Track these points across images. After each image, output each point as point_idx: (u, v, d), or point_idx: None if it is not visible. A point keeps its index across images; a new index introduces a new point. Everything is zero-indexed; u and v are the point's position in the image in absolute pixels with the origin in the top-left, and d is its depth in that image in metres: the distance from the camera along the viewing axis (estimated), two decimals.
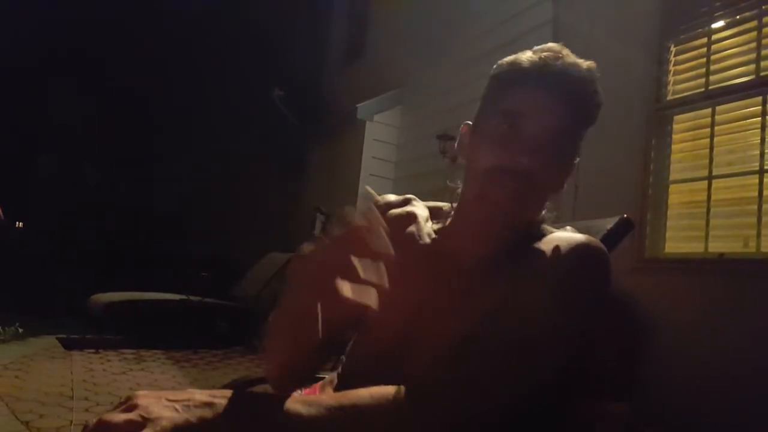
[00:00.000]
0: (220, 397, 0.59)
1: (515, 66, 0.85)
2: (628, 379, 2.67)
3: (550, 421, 0.89)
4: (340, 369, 0.94)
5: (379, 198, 1.02)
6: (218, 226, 7.16)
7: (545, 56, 0.83)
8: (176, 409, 0.56)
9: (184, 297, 5.08)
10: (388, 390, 0.66)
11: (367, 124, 5.89)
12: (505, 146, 0.81)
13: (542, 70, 0.82)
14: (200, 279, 5.24)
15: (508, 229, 0.84)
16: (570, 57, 0.84)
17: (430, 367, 0.73)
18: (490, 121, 0.85)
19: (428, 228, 0.93)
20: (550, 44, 0.85)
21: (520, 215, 0.83)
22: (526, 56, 0.85)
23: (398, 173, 5.88)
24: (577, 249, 0.79)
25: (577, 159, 0.88)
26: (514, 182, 0.80)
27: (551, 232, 0.86)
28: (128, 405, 0.56)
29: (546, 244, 0.82)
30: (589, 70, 0.84)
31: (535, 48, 0.86)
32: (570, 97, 0.81)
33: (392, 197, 1.01)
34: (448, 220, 0.92)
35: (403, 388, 0.66)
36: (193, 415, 0.56)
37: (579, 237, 0.82)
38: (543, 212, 0.89)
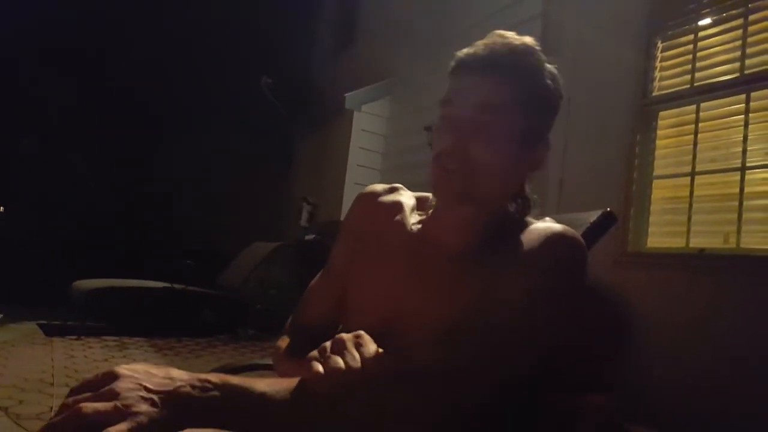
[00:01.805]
0: (200, 390, 0.58)
1: (454, 59, 0.88)
2: (609, 372, 2.70)
3: (530, 411, 0.90)
4: None
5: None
6: (204, 215, 7.10)
7: (477, 43, 0.86)
8: (155, 402, 0.55)
9: (167, 285, 5.05)
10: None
11: (355, 114, 5.87)
12: (439, 134, 0.86)
13: (470, 55, 0.85)
14: (185, 267, 5.21)
15: (468, 210, 0.86)
16: (502, 37, 0.85)
17: (414, 354, 0.74)
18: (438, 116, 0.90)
19: (414, 217, 0.95)
20: (494, 31, 0.87)
21: (467, 192, 0.84)
22: (464, 50, 0.88)
23: (386, 164, 5.87)
24: (553, 238, 0.81)
25: (545, 133, 0.88)
26: (448, 163, 0.83)
27: (530, 223, 0.87)
28: (107, 390, 0.55)
29: (524, 235, 0.84)
30: (522, 44, 0.85)
31: None
32: (496, 73, 0.83)
33: (379, 186, 1.03)
34: (431, 210, 0.93)
35: (385, 374, 0.67)
36: (171, 411, 0.55)
37: (555, 227, 0.84)
38: (531, 209, 0.90)
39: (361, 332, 0.66)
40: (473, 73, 0.84)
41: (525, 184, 0.91)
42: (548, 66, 0.87)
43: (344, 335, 0.65)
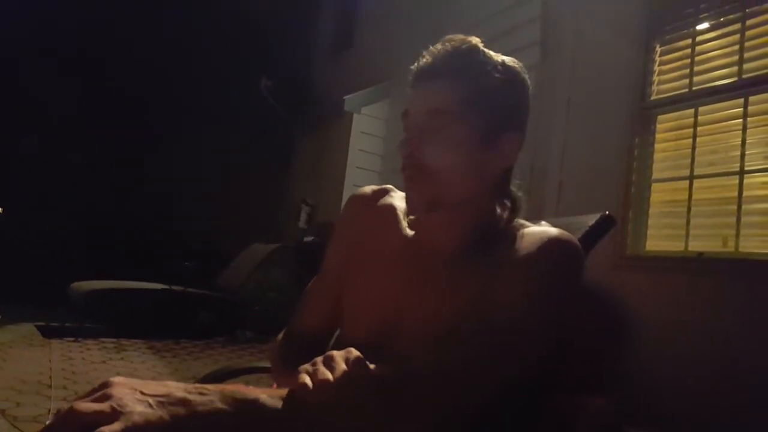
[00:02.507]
0: (196, 394, 0.58)
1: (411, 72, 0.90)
2: (608, 374, 2.70)
3: (528, 413, 0.90)
4: None
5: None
6: (203, 216, 7.10)
7: (427, 52, 0.87)
8: (150, 405, 0.55)
9: (166, 286, 5.04)
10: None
11: (355, 116, 5.88)
12: (400, 146, 0.87)
13: (419, 65, 0.87)
14: (184, 268, 5.20)
15: (454, 214, 0.86)
16: (446, 41, 0.86)
17: (410, 359, 0.74)
18: None
19: (406, 220, 0.95)
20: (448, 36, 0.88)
21: (432, 200, 0.85)
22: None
23: (385, 166, 5.87)
24: (549, 242, 0.81)
25: (507, 126, 0.87)
26: (407, 171, 0.85)
27: (526, 227, 0.87)
28: (102, 394, 0.55)
29: (520, 238, 0.84)
30: (464, 43, 0.86)
31: None
32: (439, 77, 0.84)
33: (370, 189, 1.03)
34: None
35: (382, 378, 0.67)
36: (167, 413, 0.55)
37: (552, 231, 0.84)
38: (519, 209, 0.90)
39: (351, 348, 0.66)
40: (421, 82, 0.86)
41: (507, 183, 0.91)
42: (499, 59, 0.87)
43: (335, 352, 0.66)
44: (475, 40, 0.87)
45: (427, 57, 0.86)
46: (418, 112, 0.85)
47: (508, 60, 0.88)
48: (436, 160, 0.83)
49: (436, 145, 0.83)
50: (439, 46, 0.86)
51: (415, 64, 0.88)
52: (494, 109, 0.85)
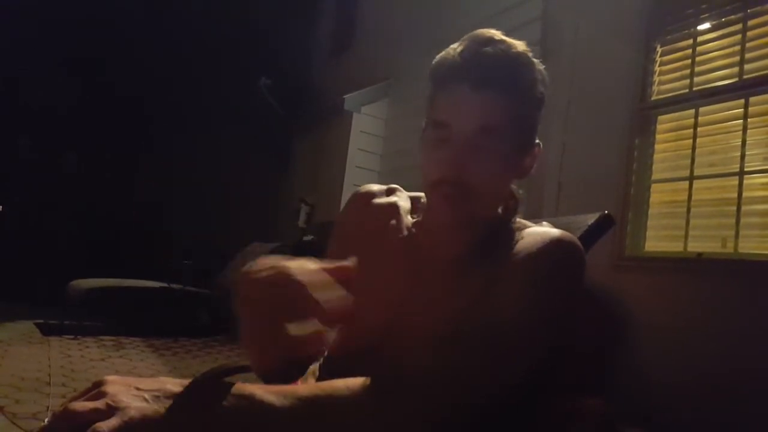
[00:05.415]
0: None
1: (441, 65, 0.84)
2: (606, 374, 2.70)
3: (526, 416, 0.90)
4: (322, 360, 0.93)
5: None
6: (202, 215, 7.10)
7: (465, 46, 0.82)
8: (146, 399, 0.55)
9: (165, 285, 5.04)
10: (365, 382, 0.66)
11: (354, 115, 5.87)
12: (438, 159, 0.82)
13: (463, 64, 0.81)
14: (183, 267, 5.20)
15: (469, 227, 0.85)
16: (493, 42, 0.81)
17: (410, 360, 0.73)
18: (426, 131, 0.86)
19: (409, 221, 0.93)
20: (481, 31, 0.83)
21: (470, 215, 0.83)
22: (450, 54, 0.84)
23: (384, 166, 5.87)
24: (551, 244, 0.81)
25: (534, 140, 0.87)
26: (453, 191, 0.81)
27: (527, 227, 0.86)
28: (96, 392, 0.55)
29: (521, 239, 0.83)
30: (520, 54, 0.82)
31: (464, 37, 0.84)
32: (494, 89, 0.80)
33: (375, 186, 1.00)
34: (422, 214, 0.93)
35: (381, 380, 0.66)
36: (162, 406, 0.55)
37: (553, 232, 0.83)
38: (519, 207, 0.90)
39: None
40: (469, 88, 0.80)
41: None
42: (540, 67, 0.85)
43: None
44: (524, 47, 0.83)
45: (473, 57, 0.80)
46: (468, 128, 0.80)
47: (543, 68, 0.86)
48: (483, 181, 0.81)
49: (484, 166, 0.80)
50: (489, 49, 0.80)
51: (452, 57, 0.82)
52: (533, 123, 0.84)
